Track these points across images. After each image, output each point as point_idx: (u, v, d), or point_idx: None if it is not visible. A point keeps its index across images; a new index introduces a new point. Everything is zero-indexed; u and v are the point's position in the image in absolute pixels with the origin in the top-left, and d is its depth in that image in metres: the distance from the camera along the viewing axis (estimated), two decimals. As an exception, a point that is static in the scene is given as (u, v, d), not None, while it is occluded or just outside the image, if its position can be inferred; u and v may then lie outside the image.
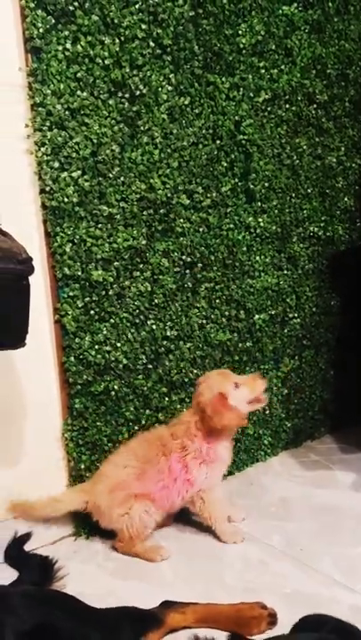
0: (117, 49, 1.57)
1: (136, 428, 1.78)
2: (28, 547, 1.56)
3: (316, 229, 2.15)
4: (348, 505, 1.81)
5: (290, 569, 1.51)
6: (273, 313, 2.07)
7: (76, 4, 1.50)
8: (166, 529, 1.71)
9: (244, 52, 1.83)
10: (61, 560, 1.53)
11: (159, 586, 1.46)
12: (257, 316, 2.02)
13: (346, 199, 2.22)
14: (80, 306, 1.62)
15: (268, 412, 2.12)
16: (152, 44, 1.63)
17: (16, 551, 1.51)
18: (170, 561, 1.56)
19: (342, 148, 2.18)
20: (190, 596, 1.36)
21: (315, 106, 2.06)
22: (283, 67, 1.94)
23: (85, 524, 1.66)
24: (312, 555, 1.56)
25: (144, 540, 1.59)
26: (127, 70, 1.60)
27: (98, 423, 1.71)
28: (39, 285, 1.57)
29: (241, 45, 1.82)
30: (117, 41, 1.57)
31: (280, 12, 1.90)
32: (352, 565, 1.50)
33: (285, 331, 2.13)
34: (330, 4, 2.03)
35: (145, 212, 1.70)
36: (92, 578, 1.50)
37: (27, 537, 1.55)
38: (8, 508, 1.59)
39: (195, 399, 1.64)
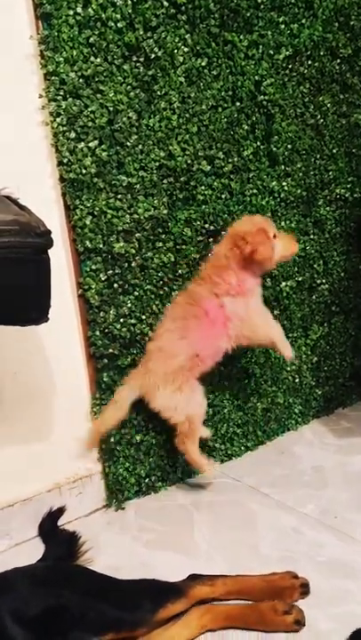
0: (130, 10, 1.52)
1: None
2: (63, 519, 1.57)
3: (342, 191, 2.08)
4: (383, 472, 1.79)
5: (325, 537, 1.50)
6: (300, 279, 2.02)
7: (85, -36, 1.45)
8: (199, 499, 1.71)
9: (262, 6, 1.75)
10: (96, 532, 1.55)
11: (193, 557, 1.46)
12: (284, 284, 1.97)
13: (373, 158, 2.14)
14: (103, 279, 1.60)
15: (298, 380, 2.09)
16: (166, 3, 1.57)
17: (48, 526, 1.52)
18: (204, 531, 1.57)
19: (368, 105, 2.09)
20: (224, 567, 1.36)
21: (338, 61, 1.97)
22: (303, 20, 1.86)
23: (117, 494, 1.67)
24: (347, 523, 1.55)
25: (200, 425, 1.66)
26: (141, 33, 1.54)
27: (126, 397, 1.70)
28: (61, 260, 1.55)
29: (259, 0, 1.74)
30: (129, 2, 1.51)
31: None
32: (388, 532, 1.49)
33: (313, 297, 2.08)
34: None
35: (165, 181, 1.66)
36: (126, 550, 1.51)
37: (60, 512, 1.56)
38: (87, 444, 1.63)
39: (231, 230, 1.64)
